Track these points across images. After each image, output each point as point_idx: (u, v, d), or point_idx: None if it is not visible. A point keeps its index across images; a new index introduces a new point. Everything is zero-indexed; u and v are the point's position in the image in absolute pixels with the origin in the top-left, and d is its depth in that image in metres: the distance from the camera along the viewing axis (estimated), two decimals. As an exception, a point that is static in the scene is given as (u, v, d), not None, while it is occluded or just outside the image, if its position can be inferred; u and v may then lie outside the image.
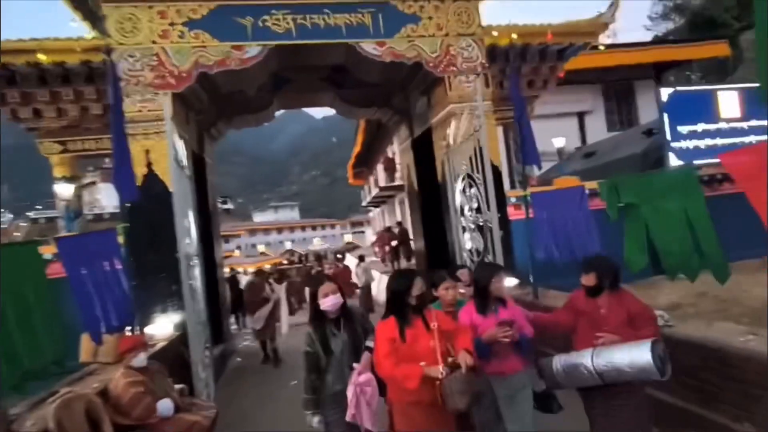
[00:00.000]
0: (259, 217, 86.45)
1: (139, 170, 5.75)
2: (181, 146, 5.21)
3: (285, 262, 47.85)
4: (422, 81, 7.40)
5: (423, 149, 8.74)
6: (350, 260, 27.18)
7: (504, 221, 6.01)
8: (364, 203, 33.47)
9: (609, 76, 15.52)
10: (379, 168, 22.30)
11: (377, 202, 29.51)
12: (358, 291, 14.34)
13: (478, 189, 5.62)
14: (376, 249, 19.65)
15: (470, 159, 5.84)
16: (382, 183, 21.29)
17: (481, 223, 5.74)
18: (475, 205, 5.82)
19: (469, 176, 5.87)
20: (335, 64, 8.34)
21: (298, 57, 7.53)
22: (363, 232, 60.62)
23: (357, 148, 26.95)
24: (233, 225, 70.31)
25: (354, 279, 15.62)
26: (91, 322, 3.71)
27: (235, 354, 8.66)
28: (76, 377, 4.23)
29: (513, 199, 6.43)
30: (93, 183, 17.43)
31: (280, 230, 69.66)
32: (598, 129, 15.52)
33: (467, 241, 6.22)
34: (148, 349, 3.79)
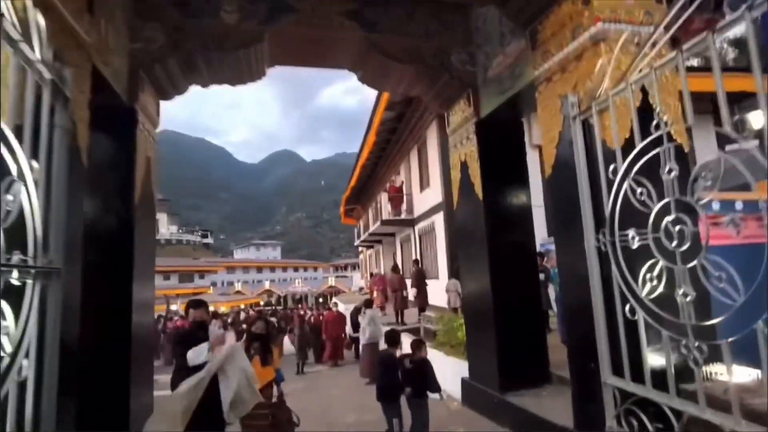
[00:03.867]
0: (240, 254, 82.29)
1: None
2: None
3: (261, 302, 43.40)
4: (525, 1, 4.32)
5: (496, 136, 5.58)
6: (339, 305, 23.38)
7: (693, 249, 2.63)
8: (356, 242, 29.93)
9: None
10: (383, 199, 19.01)
11: (372, 241, 26.05)
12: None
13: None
14: (375, 294, 16.13)
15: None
16: (386, 216, 17.93)
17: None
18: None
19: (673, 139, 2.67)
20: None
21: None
22: (346, 276, 57.25)
23: (353, 181, 23.81)
24: (211, 260, 65.83)
25: (349, 330, 12.08)
26: None
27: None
28: None
29: (716, 206, 3.06)
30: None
31: (260, 269, 65.51)
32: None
33: (657, 279, 2.89)
34: None
